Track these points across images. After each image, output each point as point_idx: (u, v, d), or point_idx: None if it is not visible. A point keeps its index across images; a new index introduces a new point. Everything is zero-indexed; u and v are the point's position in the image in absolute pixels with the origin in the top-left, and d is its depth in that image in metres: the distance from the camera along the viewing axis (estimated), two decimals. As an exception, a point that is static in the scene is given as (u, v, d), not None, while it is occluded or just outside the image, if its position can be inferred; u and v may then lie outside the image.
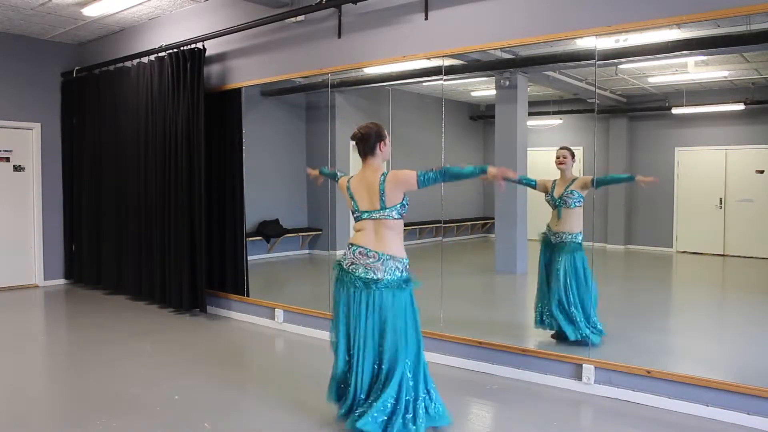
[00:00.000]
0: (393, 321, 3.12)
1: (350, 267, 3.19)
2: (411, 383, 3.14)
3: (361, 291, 3.15)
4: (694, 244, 8.06)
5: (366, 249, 3.17)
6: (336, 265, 3.29)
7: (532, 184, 4.85)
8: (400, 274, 3.17)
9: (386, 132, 3.33)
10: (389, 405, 3.08)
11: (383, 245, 3.16)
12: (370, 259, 3.15)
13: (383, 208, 3.16)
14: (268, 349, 5.35)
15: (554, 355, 4.14)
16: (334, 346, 3.31)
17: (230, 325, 5.94)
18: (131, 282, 6.91)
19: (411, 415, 3.10)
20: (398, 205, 3.17)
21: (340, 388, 3.30)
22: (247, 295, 6.05)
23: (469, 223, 8.34)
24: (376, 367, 3.16)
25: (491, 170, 3.11)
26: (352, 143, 3.34)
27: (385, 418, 3.07)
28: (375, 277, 3.13)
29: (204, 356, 4.81)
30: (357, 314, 3.17)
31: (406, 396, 3.11)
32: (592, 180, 4.47)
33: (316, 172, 4.03)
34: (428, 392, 3.22)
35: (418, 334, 3.23)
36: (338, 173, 3.70)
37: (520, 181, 4.83)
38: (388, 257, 3.15)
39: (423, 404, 3.16)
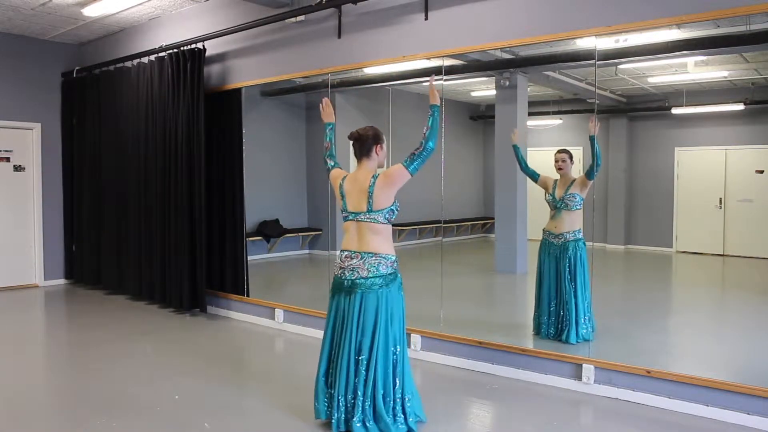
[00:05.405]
0: (375, 320, 3.14)
1: (340, 272, 3.24)
2: (394, 380, 3.16)
3: (349, 293, 3.18)
4: (694, 244, 8.07)
5: (350, 251, 3.21)
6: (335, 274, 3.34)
7: (535, 177, 4.85)
8: (385, 271, 3.17)
9: (384, 138, 3.33)
10: (371, 403, 3.12)
11: (366, 245, 3.18)
12: (354, 260, 3.18)
13: (369, 210, 3.17)
14: (268, 349, 5.35)
15: (554, 355, 4.14)
16: (320, 353, 3.33)
17: (230, 325, 5.94)
18: (131, 282, 6.91)
19: (394, 413, 3.14)
20: (386, 210, 3.18)
21: (324, 398, 3.27)
22: (247, 295, 6.06)
23: (469, 223, 8.34)
24: (356, 366, 3.16)
25: (434, 98, 3.29)
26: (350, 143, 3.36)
27: (370, 416, 3.11)
28: (360, 276, 3.15)
29: (204, 356, 4.81)
30: (343, 316, 3.21)
31: (388, 394, 3.14)
32: (587, 174, 4.52)
33: (329, 113, 3.56)
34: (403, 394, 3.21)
35: (402, 333, 3.23)
36: (334, 158, 3.49)
37: (520, 163, 4.88)
38: (370, 255, 3.16)
39: (411, 401, 3.20)
